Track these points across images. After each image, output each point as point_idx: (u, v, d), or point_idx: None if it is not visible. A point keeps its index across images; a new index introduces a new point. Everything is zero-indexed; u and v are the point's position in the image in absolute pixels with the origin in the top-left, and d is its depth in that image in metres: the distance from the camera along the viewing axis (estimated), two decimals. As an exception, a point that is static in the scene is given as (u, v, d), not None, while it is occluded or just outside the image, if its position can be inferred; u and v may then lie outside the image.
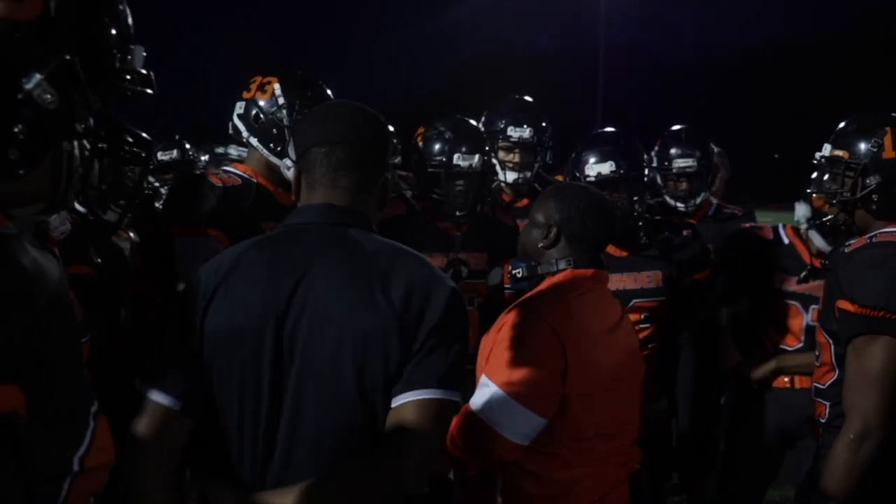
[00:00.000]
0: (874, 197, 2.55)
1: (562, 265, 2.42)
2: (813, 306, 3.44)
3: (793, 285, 3.55)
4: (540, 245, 2.47)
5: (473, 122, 3.76)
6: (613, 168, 3.45)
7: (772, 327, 3.63)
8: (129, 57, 1.34)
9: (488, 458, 2.27)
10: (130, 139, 1.38)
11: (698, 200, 4.44)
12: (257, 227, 2.58)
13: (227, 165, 3.15)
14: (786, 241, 3.65)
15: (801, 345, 3.55)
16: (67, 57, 1.22)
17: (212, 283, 1.76)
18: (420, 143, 3.59)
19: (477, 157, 3.48)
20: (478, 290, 3.55)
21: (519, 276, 2.50)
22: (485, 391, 2.23)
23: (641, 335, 3.45)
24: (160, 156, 5.12)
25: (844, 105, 5.26)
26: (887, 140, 2.54)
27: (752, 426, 3.68)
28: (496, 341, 2.30)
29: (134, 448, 1.71)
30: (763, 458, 3.66)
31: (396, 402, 1.70)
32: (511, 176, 4.28)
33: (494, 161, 4.26)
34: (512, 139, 4.30)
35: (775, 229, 3.77)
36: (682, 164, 4.43)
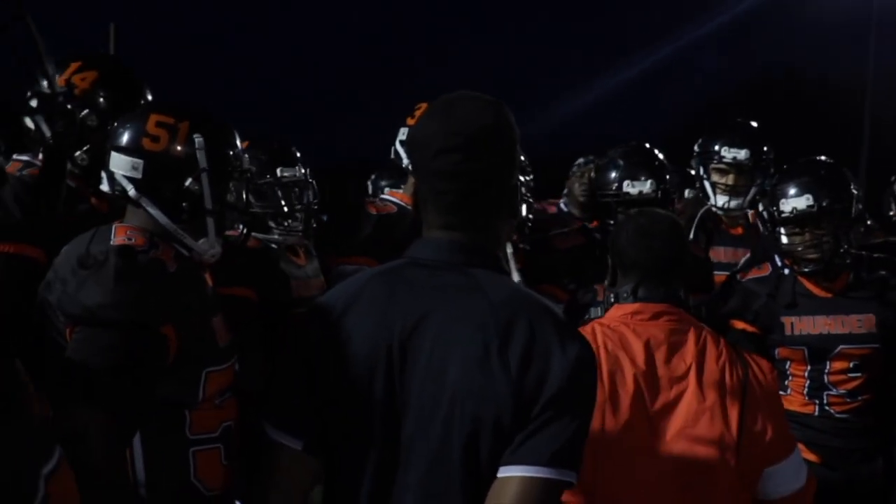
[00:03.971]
0: None
1: (619, 299, 2.19)
2: None
3: None
4: (606, 283, 2.26)
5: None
6: (811, 202, 3.09)
7: None
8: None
9: None
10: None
11: None
12: None
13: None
14: None
15: None
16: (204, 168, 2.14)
17: (328, 317, 1.69)
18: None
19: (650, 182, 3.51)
20: None
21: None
22: None
23: (850, 385, 3.17)
24: None
25: None
26: None
27: None
28: None
29: (264, 492, 1.71)
30: None
31: (503, 472, 1.55)
32: (721, 200, 4.01)
33: (707, 184, 4.03)
34: (725, 160, 4.03)
35: None
36: None
